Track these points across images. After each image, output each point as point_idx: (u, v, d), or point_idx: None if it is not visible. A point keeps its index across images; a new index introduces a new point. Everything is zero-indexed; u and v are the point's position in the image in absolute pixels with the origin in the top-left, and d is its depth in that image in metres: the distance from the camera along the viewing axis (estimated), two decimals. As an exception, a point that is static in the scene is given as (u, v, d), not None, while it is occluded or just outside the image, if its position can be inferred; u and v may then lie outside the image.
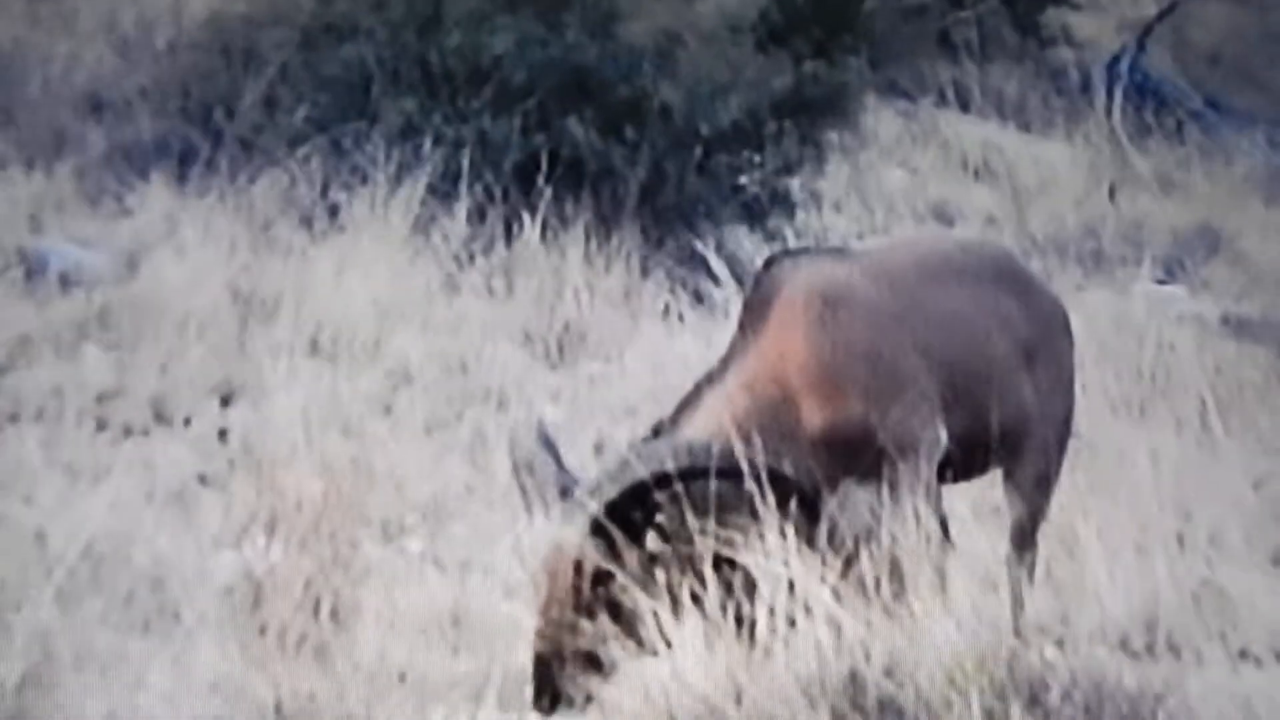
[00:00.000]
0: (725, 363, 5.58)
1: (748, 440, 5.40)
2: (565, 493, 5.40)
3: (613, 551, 5.38)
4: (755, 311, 5.63)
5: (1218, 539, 6.34)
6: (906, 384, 5.66)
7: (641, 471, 5.35)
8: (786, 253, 6.02)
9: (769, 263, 5.80)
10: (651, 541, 5.46)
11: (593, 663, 5.38)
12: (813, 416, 5.55)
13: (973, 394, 5.75)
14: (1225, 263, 10.06)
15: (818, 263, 5.78)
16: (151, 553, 6.17)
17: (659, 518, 5.45)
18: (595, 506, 5.34)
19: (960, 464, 5.77)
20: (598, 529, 5.37)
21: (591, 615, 5.36)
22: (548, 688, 5.34)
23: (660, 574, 5.45)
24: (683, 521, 5.45)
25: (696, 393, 5.54)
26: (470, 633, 6.07)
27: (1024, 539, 5.95)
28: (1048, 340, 6.01)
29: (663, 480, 5.37)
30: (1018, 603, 5.77)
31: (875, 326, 5.67)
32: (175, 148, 9.79)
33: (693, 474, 5.36)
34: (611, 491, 5.35)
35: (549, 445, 5.49)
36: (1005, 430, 5.80)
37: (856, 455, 5.56)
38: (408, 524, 6.97)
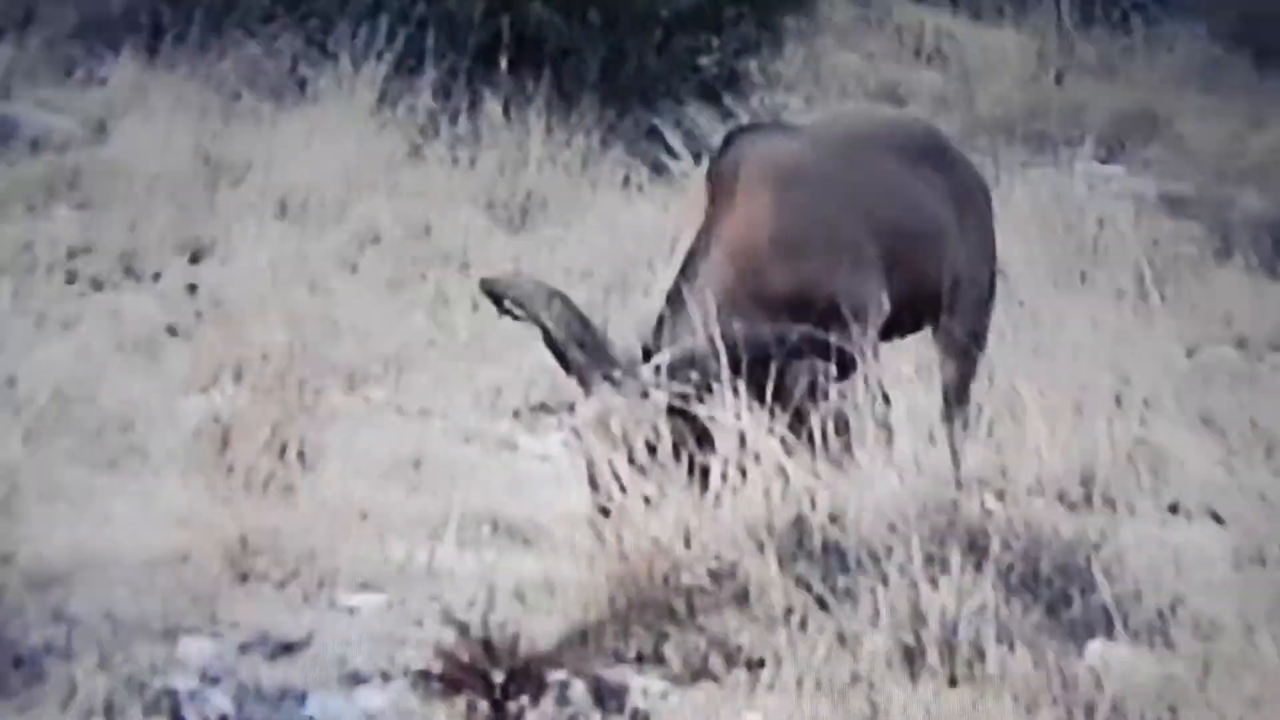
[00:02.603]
0: (707, 234, 5.61)
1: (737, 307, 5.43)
2: (624, 371, 5.37)
3: None
4: (724, 185, 5.68)
5: (1152, 401, 6.35)
6: (856, 249, 5.74)
7: (709, 365, 5.35)
8: (743, 128, 6.00)
9: (729, 139, 5.84)
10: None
11: None
12: (780, 281, 5.61)
13: (910, 257, 5.86)
14: (1163, 144, 10.07)
15: (773, 138, 5.88)
16: (120, 396, 6.11)
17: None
18: (676, 386, 5.33)
19: (894, 324, 5.86)
20: None
21: None
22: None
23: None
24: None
25: (692, 263, 5.58)
26: (429, 474, 6.06)
27: (957, 394, 6.03)
28: (972, 208, 6.14)
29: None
30: (955, 456, 5.81)
31: (828, 196, 5.77)
32: (145, 22, 9.66)
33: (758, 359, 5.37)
34: (682, 386, 5.34)
35: (589, 324, 5.46)
36: (937, 291, 5.92)
37: (815, 317, 5.58)
38: (371, 373, 6.94)
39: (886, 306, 5.80)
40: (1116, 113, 10.24)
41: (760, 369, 5.52)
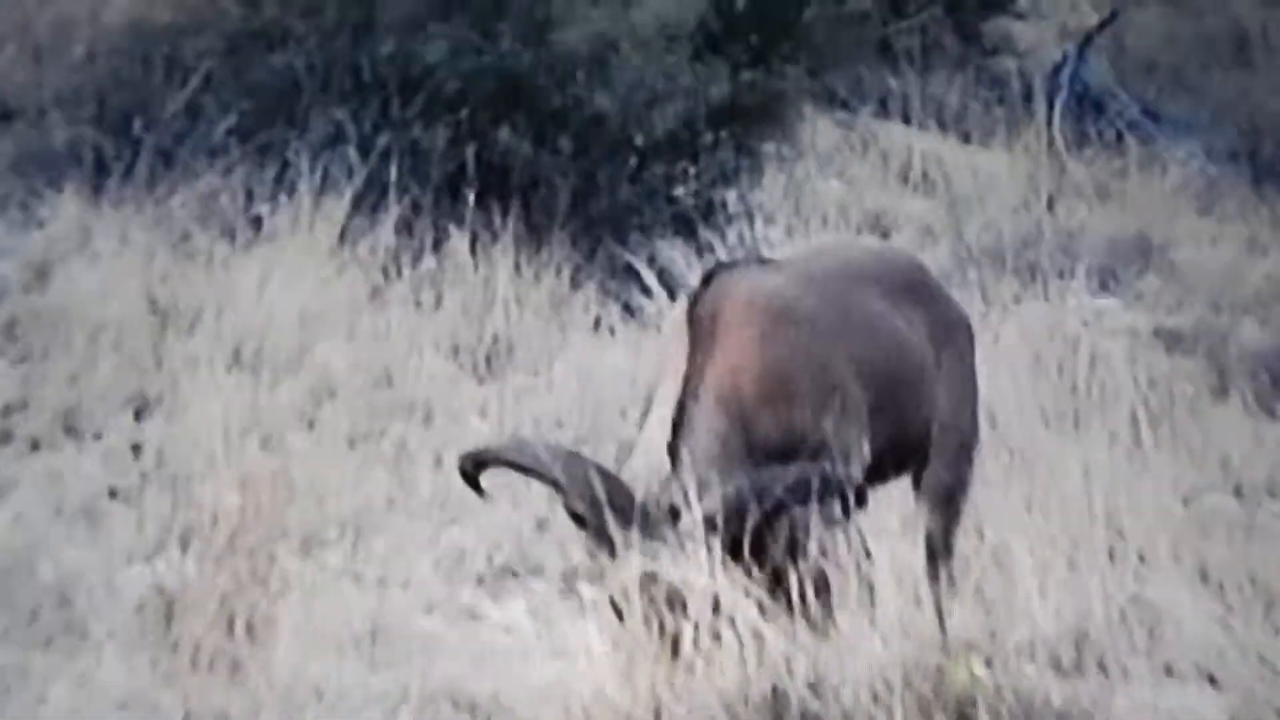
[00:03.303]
0: (695, 380, 5.65)
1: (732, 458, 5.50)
2: (655, 528, 5.41)
3: None
4: (704, 326, 5.72)
5: (1147, 554, 6.40)
6: (843, 392, 5.79)
7: (764, 505, 5.44)
8: (722, 265, 6.08)
9: (708, 278, 5.88)
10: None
11: None
12: (769, 427, 5.66)
13: (893, 401, 5.91)
14: (1159, 274, 10.15)
15: (753, 275, 5.92)
16: (58, 567, 6.13)
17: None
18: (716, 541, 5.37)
19: (874, 471, 5.89)
20: None
21: None
22: None
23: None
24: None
25: (683, 412, 5.60)
26: (388, 648, 6.06)
27: (942, 547, 6.05)
28: (955, 348, 6.20)
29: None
30: (940, 615, 5.83)
31: (813, 337, 5.82)
32: (89, 157, 9.67)
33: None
34: (736, 527, 5.40)
35: (615, 480, 5.49)
36: (920, 436, 5.94)
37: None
38: (327, 538, 6.96)
39: (868, 454, 5.85)
40: (1110, 239, 10.34)
41: (739, 523, 5.56)
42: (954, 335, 6.22)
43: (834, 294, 5.94)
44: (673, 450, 5.56)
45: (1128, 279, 10.02)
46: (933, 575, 6.02)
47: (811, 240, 10.15)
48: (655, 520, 5.46)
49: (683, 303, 5.98)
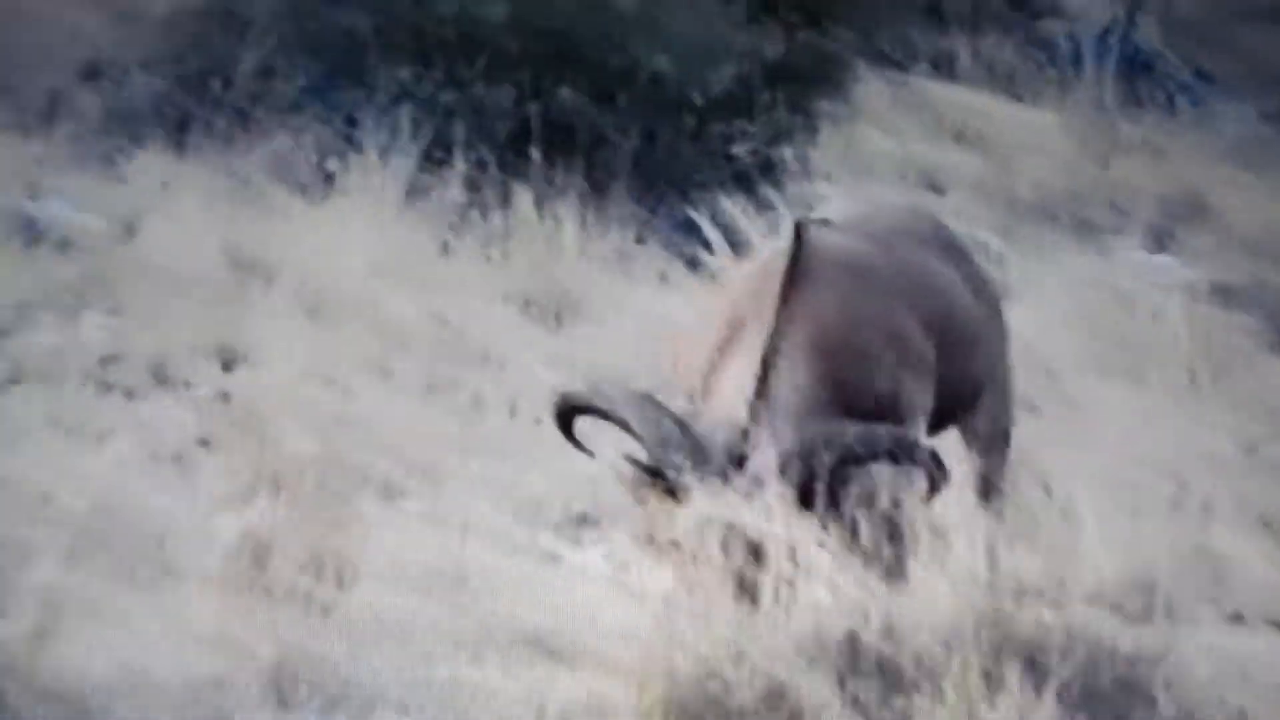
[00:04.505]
0: (782, 335, 5.60)
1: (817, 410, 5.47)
2: (724, 476, 5.39)
3: None
4: (798, 282, 5.66)
5: (1210, 503, 6.33)
6: (911, 350, 5.77)
7: (831, 456, 5.41)
8: (808, 223, 6.02)
9: (797, 234, 5.81)
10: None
11: None
12: (848, 386, 5.62)
13: (951, 355, 5.90)
14: (1212, 231, 10.05)
15: (837, 236, 5.90)
16: (154, 513, 6.13)
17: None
18: (788, 489, 5.36)
19: (930, 423, 5.86)
20: None
21: None
22: None
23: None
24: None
25: (768, 371, 5.56)
26: (470, 591, 6.04)
27: (988, 490, 6.00)
28: (987, 300, 6.20)
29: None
30: (991, 556, 5.77)
31: (888, 296, 5.82)
32: (171, 115, 9.75)
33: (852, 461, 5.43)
34: (804, 474, 5.40)
35: (686, 427, 5.47)
36: (974, 389, 5.99)
37: (880, 419, 5.58)
38: (407, 484, 6.94)
39: (930, 405, 5.83)
40: (1163, 198, 10.24)
41: (818, 476, 5.52)
42: (987, 289, 6.24)
43: (898, 254, 5.96)
44: (753, 403, 5.52)
45: (1182, 237, 9.92)
46: (984, 514, 5.98)
47: (867, 196, 10.06)
48: (725, 469, 5.42)
49: (762, 255, 5.93)
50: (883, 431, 5.49)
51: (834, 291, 5.67)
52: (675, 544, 5.41)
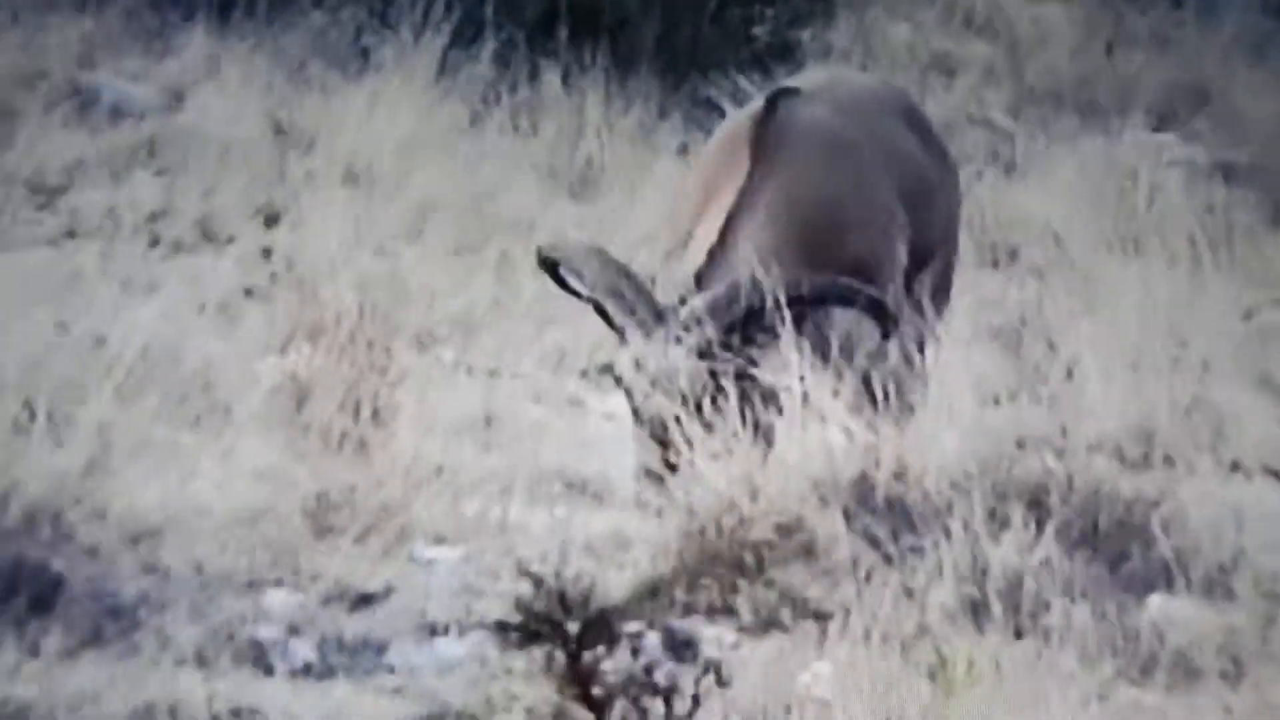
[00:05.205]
0: (749, 193, 5.60)
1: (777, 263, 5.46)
2: (660, 316, 5.42)
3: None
4: (767, 148, 5.65)
5: (1209, 363, 6.34)
6: (887, 212, 5.78)
7: (752, 300, 5.40)
8: (784, 92, 5.96)
9: (771, 103, 5.80)
10: (679, 353, 5.48)
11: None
12: (822, 241, 5.62)
13: (918, 218, 5.90)
14: (1214, 116, 9.99)
15: (811, 106, 5.85)
16: (202, 357, 6.18)
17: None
18: (710, 333, 5.37)
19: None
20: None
21: None
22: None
23: (683, 382, 5.48)
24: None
25: (733, 224, 5.57)
26: (500, 432, 6.10)
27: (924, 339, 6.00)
28: (949, 174, 6.19)
29: (762, 309, 5.42)
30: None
31: (863, 165, 5.82)
32: (216, -7, 9.77)
33: (796, 302, 5.41)
34: (726, 319, 5.40)
35: (626, 271, 5.52)
36: (933, 250, 5.98)
37: (852, 277, 5.59)
38: (439, 334, 6.98)
39: (903, 262, 5.85)
40: (1168, 84, 10.17)
41: (818, 327, 5.55)
42: (943, 158, 6.21)
43: (870, 123, 5.95)
44: (713, 252, 5.53)
45: (1185, 118, 9.86)
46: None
47: (882, 78, 10.02)
48: (661, 312, 5.44)
49: (736, 121, 5.89)
50: (826, 279, 5.46)
51: (804, 154, 5.67)
52: (618, 380, 5.46)
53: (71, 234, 7.53)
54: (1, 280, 6.74)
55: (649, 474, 5.40)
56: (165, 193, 7.86)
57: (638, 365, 5.42)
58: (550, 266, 5.66)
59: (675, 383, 5.40)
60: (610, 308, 5.48)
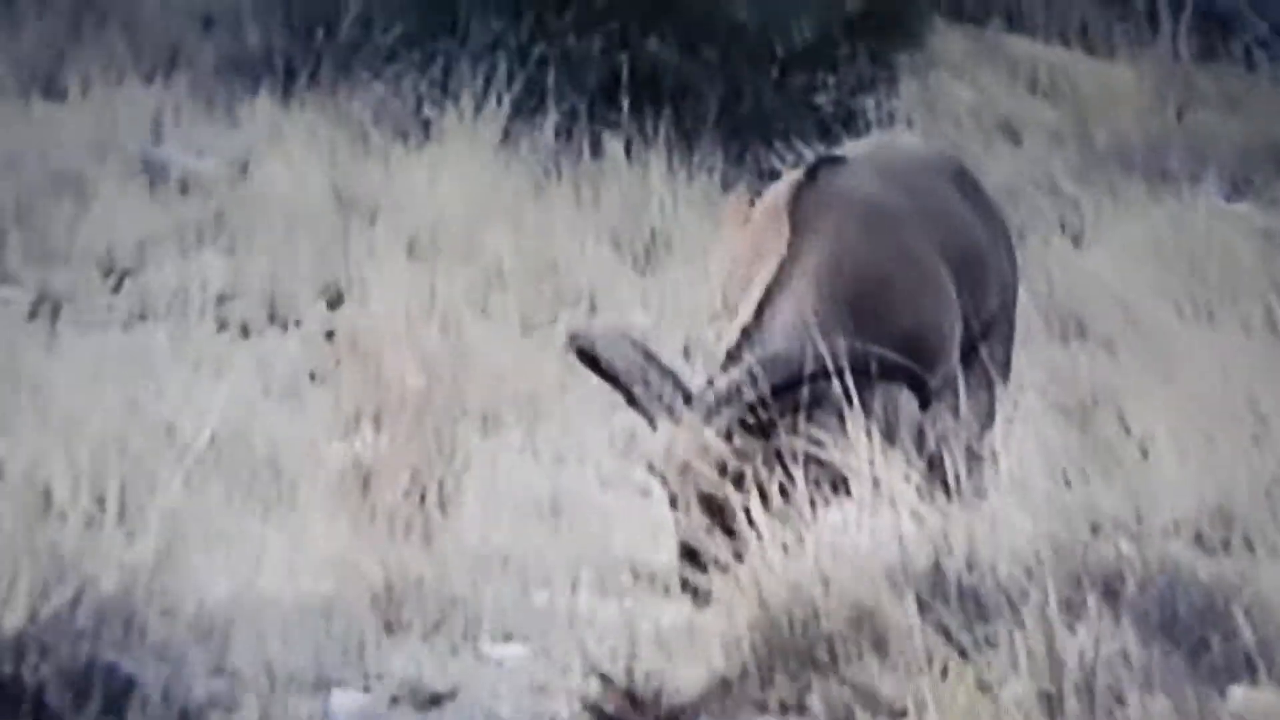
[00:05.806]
0: (790, 265, 5.51)
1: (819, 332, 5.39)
2: (688, 399, 5.33)
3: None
4: (808, 217, 5.56)
5: (1289, 439, 6.20)
6: (937, 284, 5.69)
7: (777, 377, 5.30)
8: (825, 160, 5.89)
9: (813, 171, 5.72)
10: (741, 439, 5.41)
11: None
12: (871, 318, 5.53)
13: (971, 287, 5.78)
14: (1290, 181, 9.87)
15: (855, 174, 5.76)
16: (268, 441, 6.16)
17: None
18: (732, 412, 5.28)
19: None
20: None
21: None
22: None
23: (749, 470, 5.40)
24: (772, 421, 5.40)
25: (770, 297, 5.49)
26: (568, 520, 6.04)
27: (988, 420, 5.89)
28: (1000, 234, 6.06)
29: (793, 384, 5.31)
30: (960, 483, 5.61)
31: (908, 233, 5.70)
32: (280, 63, 9.84)
33: (821, 376, 5.30)
34: (749, 396, 5.29)
35: (651, 355, 5.44)
36: (989, 319, 5.87)
37: (896, 349, 5.51)
38: (505, 418, 6.94)
39: (960, 336, 5.75)
40: (1241, 148, 10.07)
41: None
42: (998, 223, 6.09)
43: (916, 189, 5.82)
44: (748, 326, 5.43)
45: (1260, 185, 9.74)
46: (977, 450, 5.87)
47: (949, 144, 9.96)
48: (688, 395, 5.33)
49: (777, 190, 5.83)
50: (862, 348, 5.32)
51: (844, 224, 5.53)
52: (650, 468, 5.38)
53: (142, 316, 7.59)
54: (76, 363, 6.77)
55: (687, 554, 5.31)
56: (233, 274, 7.91)
57: (668, 452, 5.33)
58: (580, 353, 5.59)
59: (711, 465, 5.30)
60: (637, 394, 5.38)
